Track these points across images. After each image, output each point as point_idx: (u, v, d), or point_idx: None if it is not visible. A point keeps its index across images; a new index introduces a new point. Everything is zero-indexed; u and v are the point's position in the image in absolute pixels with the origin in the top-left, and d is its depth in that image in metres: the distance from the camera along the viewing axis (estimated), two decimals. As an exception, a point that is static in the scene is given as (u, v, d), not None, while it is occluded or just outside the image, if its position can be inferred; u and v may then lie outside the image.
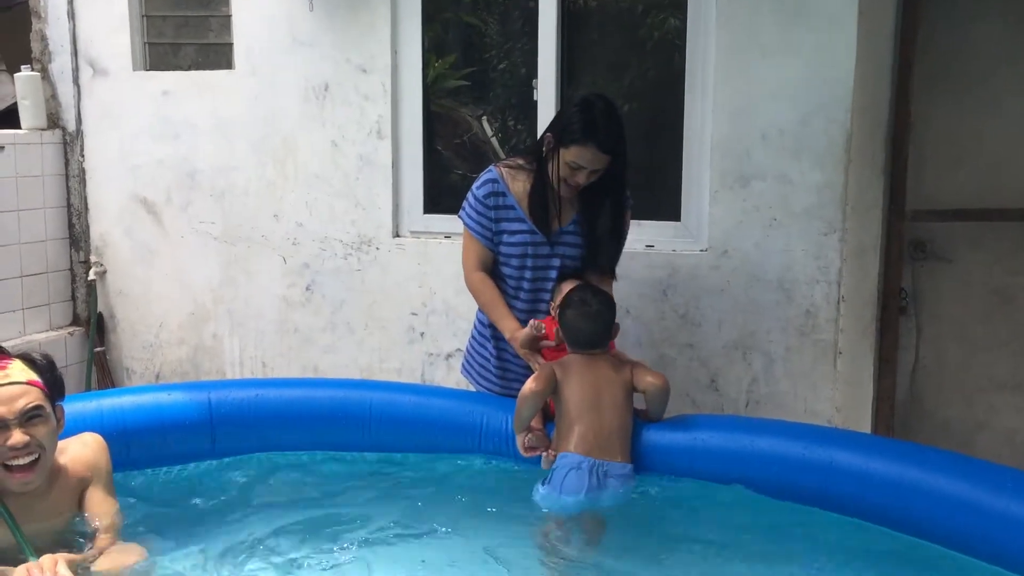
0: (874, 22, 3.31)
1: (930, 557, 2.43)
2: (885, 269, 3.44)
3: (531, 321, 2.95)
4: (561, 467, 2.73)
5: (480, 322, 3.22)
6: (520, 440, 2.88)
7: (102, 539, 2.33)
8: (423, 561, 2.44)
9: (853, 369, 3.47)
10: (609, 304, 2.91)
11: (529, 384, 2.83)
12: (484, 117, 4.21)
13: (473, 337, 3.28)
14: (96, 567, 2.24)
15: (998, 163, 3.48)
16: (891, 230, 3.45)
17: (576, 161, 2.88)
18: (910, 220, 3.46)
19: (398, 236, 4.03)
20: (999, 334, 3.58)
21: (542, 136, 3.02)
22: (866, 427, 3.46)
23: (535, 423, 2.92)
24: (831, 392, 3.50)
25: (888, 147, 3.39)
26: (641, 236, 3.60)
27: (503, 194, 3.04)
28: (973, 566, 2.36)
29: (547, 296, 3.08)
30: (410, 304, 4.02)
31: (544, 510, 2.70)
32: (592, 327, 2.86)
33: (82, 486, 2.40)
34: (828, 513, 2.63)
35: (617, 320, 2.95)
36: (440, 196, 4.05)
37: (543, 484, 2.74)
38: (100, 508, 2.39)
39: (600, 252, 3.06)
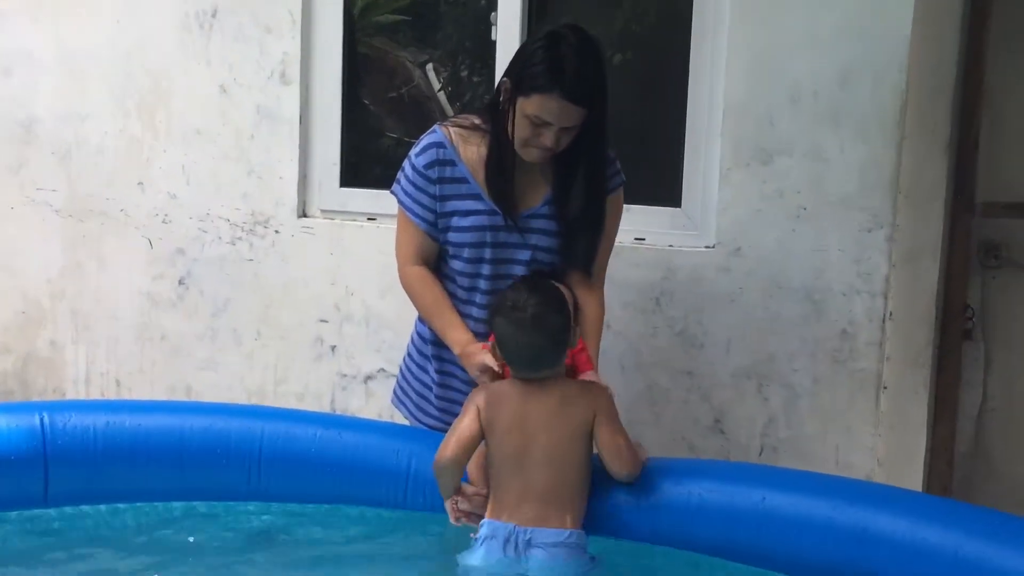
0: (941, -43, 3.40)
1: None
2: (947, 279, 3.51)
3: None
4: (479, 537, 2.74)
5: (419, 335, 3.17)
6: (448, 507, 2.87)
7: None
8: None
9: (901, 409, 3.52)
10: (554, 306, 2.81)
11: (440, 451, 2.79)
12: (430, 64, 4.20)
13: (409, 355, 3.25)
14: None
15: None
16: (956, 228, 3.51)
17: (539, 115, 2.83)
18: (981, 215, 3.53)
19: (305, 216, 4.03)
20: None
21: (499, 83, 2.98)
22: (916, 485, 3.51)
23: (476, 477, 2.89)
24: (872, 439, 3.55)
25: (955, 119, 3.44)
26: (629, 226, 3.54)
27: (451, 163, 3.00)
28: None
29: None
30: (319, 308, 4.00)
31: None
32: (528, 340, 2.76)
33: None
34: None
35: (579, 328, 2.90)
36: (364, 164, 4.08)
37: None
38: None
39: (577, 244, 3.04)
